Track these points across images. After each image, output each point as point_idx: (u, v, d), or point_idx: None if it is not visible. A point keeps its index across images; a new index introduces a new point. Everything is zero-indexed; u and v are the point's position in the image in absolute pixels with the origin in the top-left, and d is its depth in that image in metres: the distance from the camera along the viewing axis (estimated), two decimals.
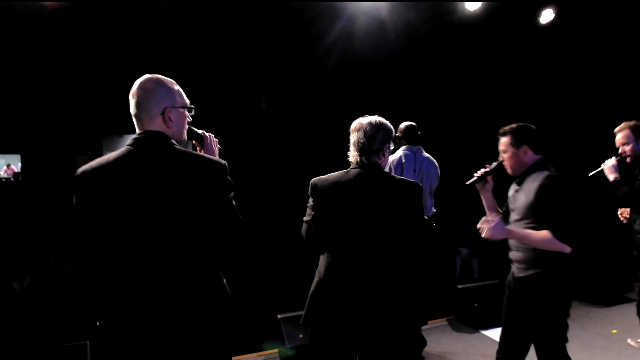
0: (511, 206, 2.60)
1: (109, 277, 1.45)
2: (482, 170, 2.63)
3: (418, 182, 1.88)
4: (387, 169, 3.18)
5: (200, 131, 1.84)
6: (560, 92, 7.59)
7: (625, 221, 3.38)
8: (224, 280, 1.61)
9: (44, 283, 5.20)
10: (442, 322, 3.73)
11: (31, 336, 3.97)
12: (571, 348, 2.40)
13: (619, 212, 3.44)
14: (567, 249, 2.31)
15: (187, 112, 1.64)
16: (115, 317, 1.46)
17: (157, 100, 1.53)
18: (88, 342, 3.16)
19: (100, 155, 1.51)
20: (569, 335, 2.37)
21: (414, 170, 3.32)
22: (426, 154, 3.41)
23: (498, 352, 2.66)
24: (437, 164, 3.44)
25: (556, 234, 2.29)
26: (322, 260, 1.92)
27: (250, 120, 7.61)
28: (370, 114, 2.02)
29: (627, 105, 5.97)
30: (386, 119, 2.04)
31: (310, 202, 1.96)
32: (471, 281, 5.19)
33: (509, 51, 7.28)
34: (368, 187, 1.83)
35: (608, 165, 3.28)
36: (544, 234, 2.31)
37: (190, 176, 1.46)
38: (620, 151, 3.32)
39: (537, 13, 6.33)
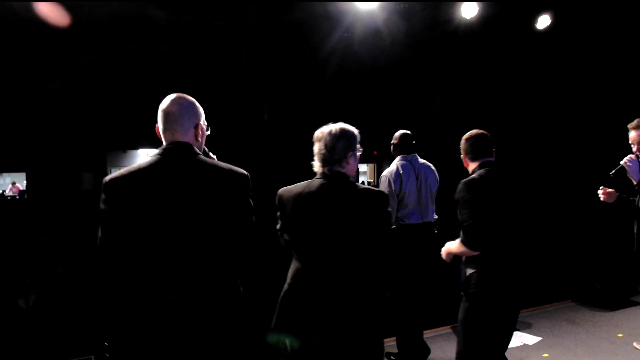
0: None
1: (126, 278, 1.54)
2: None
3: (384, 191, 1.89)
4: (385, 184, 3.15)
5: None
6: (560, 92, 7.61)
7: (603, 199, 3.24)
8: (241, 288, 1.66)
9: (50, 297, 5.22)
10: (446, 329, 3.69)
11: (37, 352, 3.99)
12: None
13: (599, 192, 3.27)
14: None
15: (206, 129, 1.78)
16: (122, 317, 1.54)
17: (190, 116, 1.66)
18: (93, 356, 3.17)
19: (105, 171, 1.57)
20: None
21: (417, 178, 3.29)
22: (422, 160, 3.37)
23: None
24: (434, 168, 3.40)
25: None
26: (292, 266, 1.94)
27: (250, 120, 7.62)
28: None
29: (627, 105, 5.98)
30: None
31: (278, 213, 1.99)
32: None
33: (508, 53, 7.29)
34: (331, 197, 1.86)
35: (632, 166, 3.16)
36: None
37: (216, 185, 1.59)
38: (635, 149, 3.27)
39: (534, 19, 6.32)
